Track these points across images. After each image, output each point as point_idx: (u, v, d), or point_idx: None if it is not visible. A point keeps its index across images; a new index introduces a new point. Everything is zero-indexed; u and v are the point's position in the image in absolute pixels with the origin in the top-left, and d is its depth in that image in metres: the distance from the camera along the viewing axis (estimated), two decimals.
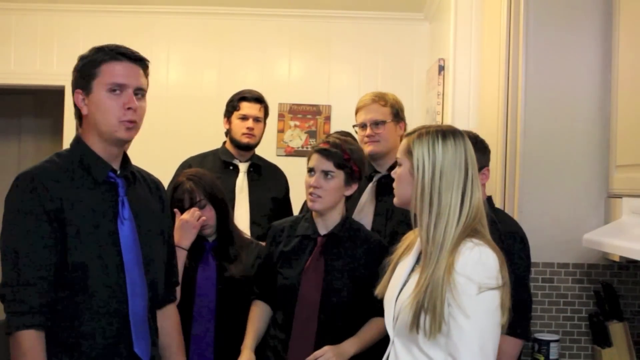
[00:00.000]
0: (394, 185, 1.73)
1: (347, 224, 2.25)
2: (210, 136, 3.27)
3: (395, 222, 2.51)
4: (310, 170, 2.23)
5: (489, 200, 2.24)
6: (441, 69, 3.47)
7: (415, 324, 1.57)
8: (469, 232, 1.61)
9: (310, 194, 2.20)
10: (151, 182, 1.97)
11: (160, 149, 3.84)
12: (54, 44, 4.46)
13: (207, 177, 2.49)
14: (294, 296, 2.18)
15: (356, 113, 2.76)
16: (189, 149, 3.24)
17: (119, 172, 1.81)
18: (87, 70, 1.76)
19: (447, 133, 1.67)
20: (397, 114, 2.71)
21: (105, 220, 1.75)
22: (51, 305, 1.66)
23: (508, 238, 2.05)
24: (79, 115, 1.81)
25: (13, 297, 1.63)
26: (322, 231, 2.24)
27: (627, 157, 2.24)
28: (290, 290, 2.19)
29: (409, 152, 1.68)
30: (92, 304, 1.70)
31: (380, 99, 2.70)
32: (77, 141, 1.81)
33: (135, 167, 1.93)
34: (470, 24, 3.17)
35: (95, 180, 1.76)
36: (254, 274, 2.39)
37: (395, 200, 1.75)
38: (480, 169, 2.18)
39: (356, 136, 2.89)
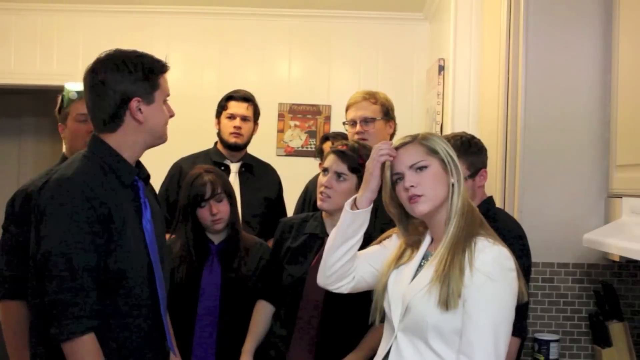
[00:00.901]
0: (423, 191, 1.66)
1: None
2: (210, 136, 3.26)
3: (382, 219, 2.52)
4: (325, 170, 2.23)
5: (489, 200, 2.24)
6: (441, 69, 3.47)
7: (446, 299, 1.57)
8: (478, 221, 1.69)
9: (321, 193, 2.20)
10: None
11: (160, 148, 3.83)
12: (54, 44, 4.46)
13: (221, 172, 2.55)
14: (298, 293, 2.19)
15: (346, 110, 2.77)
16: (189, 148, 3.24)
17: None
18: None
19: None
20: (387, 113, 2.72)
21: (135, 222, 1.79)
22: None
23: (506, 236, 2.05)
24: (115, 118, 1.78)
25: (73, 301, 1.62)
26: (330, 231, 2.24)
27: (627, 157, 2.24)
28: (295, 287, 2.20)
29: (432, 152, 1.69)
30: (132, 305, 1.73)
31: (370, 96, 2.71)
32: (102, 143, 1.79)
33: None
34: (470, 24, 3.17)
35: (122, 184, 1.79)
36: (260, 269, 2.41)
37: (426, 207, 1.67)
38: (478, 170, 2.18)
39: (348, 135, 2.90)
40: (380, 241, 1.86)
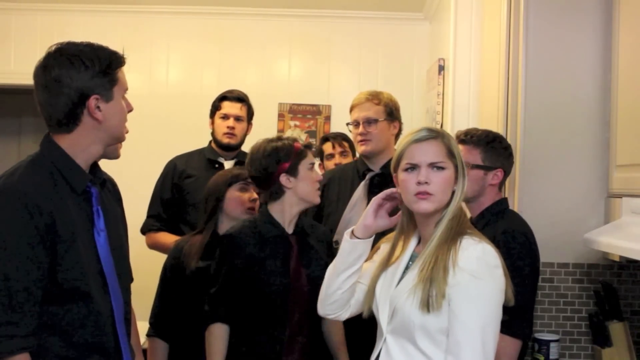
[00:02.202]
0: (435, 191, 1.64)
1: (301, 220, 2.29)
2: (209, 135, 3.27)
3: None
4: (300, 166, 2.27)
5: (503, 201, 2.24)
6: (441, 68, 3.47)
7: (427, 301, 1.57)
8: (467, 224, 1.69)
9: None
10: (109, 182, 1.86)
11: (160, 148, 3.84)
12: (53, 43, 4.44)
13: None
14: (286, 296, 2.16)
15: (350, 111, 2.77)
16: (189, 148, 3.25)
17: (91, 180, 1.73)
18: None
19: None
20: (391, 113, 2.71)
21: (85, 232, 1.66)
22: (42, 323, 1.58)
23: (511, 236, 2.04)
24: (72, 118, 1.67)
25: (6, 319, 1.51)
26: (289, 230, 2.25)
27: (627, 157, 2.24)
28: (283, 292, 2.16)
29: (451, 154, 1.69)
30: (83, 318, 1.63)
31: (374, 97, 2.71)
32: (54, 146, 1.68)
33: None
34: (470, 24, 3.17)
35: (74, 191, 1.66)
36: (216, 290, 2.22)
37: (431, 207, 1.65)
38: (491, 168, 2.17)
39: (351, 136, 2.90)
40: (371, 256, 1.85)
